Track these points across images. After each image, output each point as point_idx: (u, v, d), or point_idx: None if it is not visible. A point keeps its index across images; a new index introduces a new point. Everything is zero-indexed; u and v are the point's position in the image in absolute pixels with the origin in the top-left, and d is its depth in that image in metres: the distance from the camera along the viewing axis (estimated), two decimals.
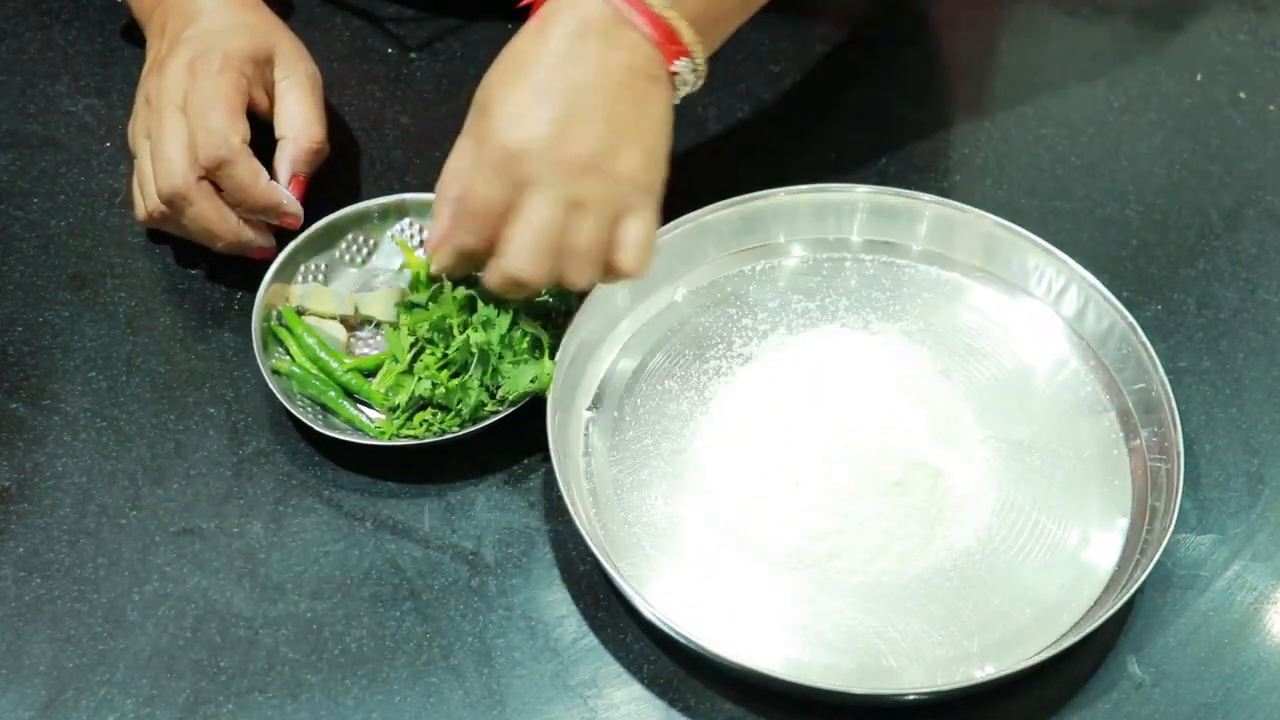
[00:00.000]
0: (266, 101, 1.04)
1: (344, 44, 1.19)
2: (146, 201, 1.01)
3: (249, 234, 1.00)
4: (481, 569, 0.91)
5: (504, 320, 0.95)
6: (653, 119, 0.92)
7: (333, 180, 1.07)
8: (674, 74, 0.92)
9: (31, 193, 1.09)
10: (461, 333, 0.95)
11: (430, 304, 0.96)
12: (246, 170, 0.98)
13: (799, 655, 0.87)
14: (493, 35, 1.19)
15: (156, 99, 1.00)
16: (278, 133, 1.03)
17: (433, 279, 0.96)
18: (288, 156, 1.02)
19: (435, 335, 0.95)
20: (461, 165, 0.91)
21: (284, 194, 1.00)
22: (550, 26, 0.90)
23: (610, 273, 0.92)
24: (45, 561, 0.91)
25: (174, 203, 0.98)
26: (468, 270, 0.95)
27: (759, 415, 0.95)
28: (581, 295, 0.96)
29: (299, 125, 1.03)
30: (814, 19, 1.23)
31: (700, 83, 0.95)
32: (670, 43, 0.91)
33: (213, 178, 0.98)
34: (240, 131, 0.99)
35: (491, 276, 0.92)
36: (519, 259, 0.89)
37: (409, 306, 0.98)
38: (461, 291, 0.95)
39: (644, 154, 0.91)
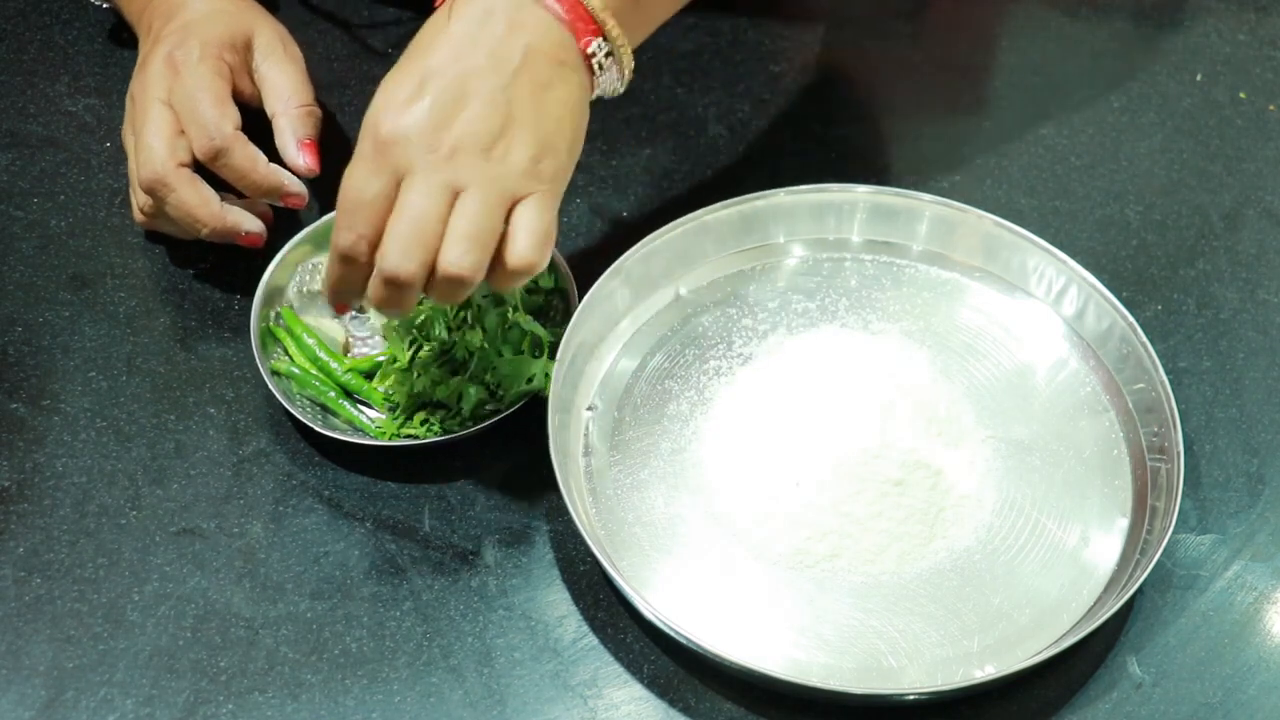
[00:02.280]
0: (252, 87, 1.03)
1: (344, 44, 1.19)
2: (136, 198, 1.01)
3: (234, 219, 0.99)
4: (481, 569, 0.91)
5: (501, 315, 0.95)
6: (555, 105, 0.85)
7: (332, 178, 1.06)
8: (589, 56, 0.87)
9: (31, 193, 1.09)
10: (459, 329, 0.95)
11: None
12: (243, 156, 0.98)
13: (799, 655, 0.87)
14: None
15: (141, 96, 1.00)
16: (269, 110, 1.03)
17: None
18: (286, 126, 1.01)
19: (432, 329, 0.95)
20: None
21: (285, 175, 1.00)
22: (457, 9, 0.85)
23: (501, 267, 0.84)
24: (45, 561, 0.90)
25: (155, 190, 0.98)
26: (356, 288, 0.86)
27: (759, 415, 0.95)
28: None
29: (286, 94, 1.02)
30: (814, 19, 1.23)
31: (624, 77, 0.90)
32: (582, 20, 0.86)
33: (213, 169, 0.98)
34: (231, 118, 0.99)
35: (372, 284, 0.84)
36: (392, 253, 0.82)
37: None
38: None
39: (536, 141, 0.84)
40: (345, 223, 0.84)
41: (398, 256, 0.82)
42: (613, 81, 0.90)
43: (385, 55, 1.18)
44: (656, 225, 1.01)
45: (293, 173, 1.01)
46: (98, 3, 1.17)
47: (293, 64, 1.04)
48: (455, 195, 0.83)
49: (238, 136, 0.98)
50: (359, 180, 0.83)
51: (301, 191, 1.01)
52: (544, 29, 0.86)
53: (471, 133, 0.83)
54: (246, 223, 1.00)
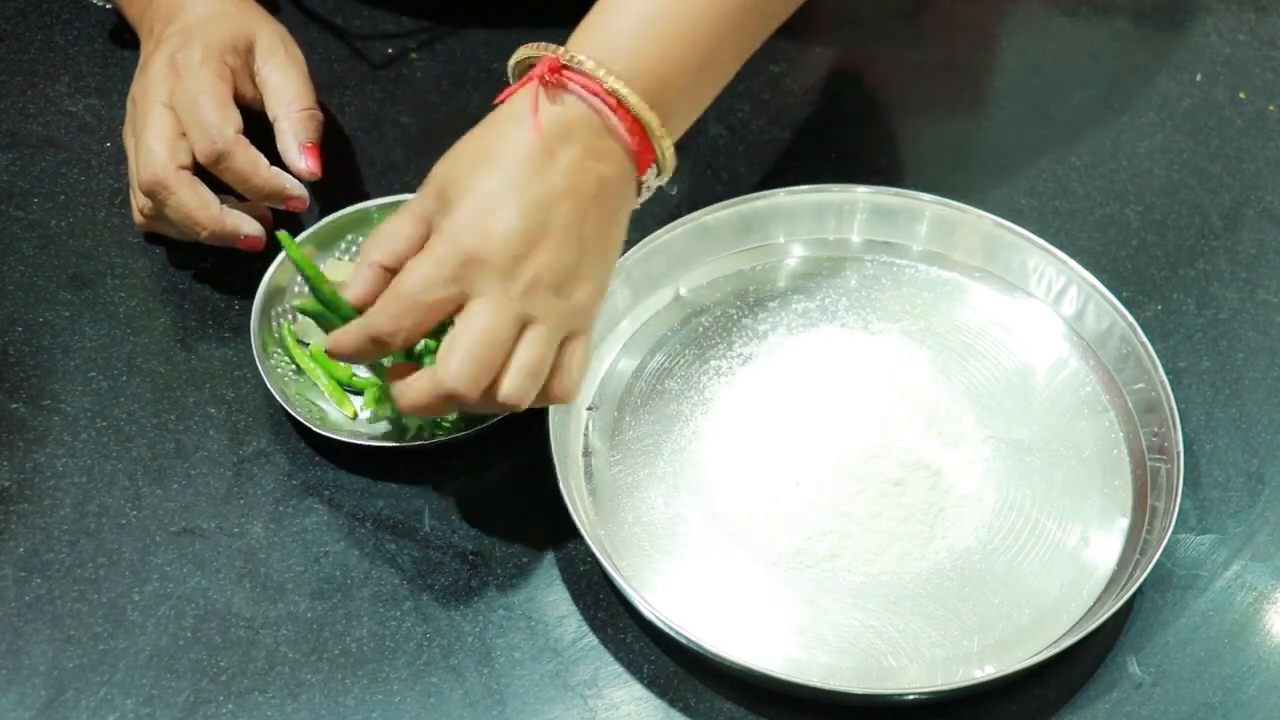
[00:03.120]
0: (254, 90, 1.03)
1: (344, 45, 1.19)
2: (136, 200, 1.01)
3: (233, 222, 0.99)
4: (481, 569, 0.91)
5: None
6: (615, 239, 0.88)
7: (333, 180, 1.06)
8: (641, 184, 0.89)
9: (31, 193, 1.09)
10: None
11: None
12: (245, 160, 0.98)
13: (799, 655, 0.87)
14: (494, 36, 1.19)
15: (142, 98, 1.00)
16: (270, 114, 1.03)
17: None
18: (288, 129, 1.01)
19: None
20: (401, 229, 0.86)
21: (287, 179, 1.00)
22: (530, 119, 0.85)
23: (543, 394, 0.86)
24: (45, 561, 0.91)
25: (155, 193, 0.98)
26: (365, 360, 0.88)
27: (759, 415, 0.95)
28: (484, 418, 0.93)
29: (288, 98, 1.02)
30: (814, 19, 1.23)
31: (649, 194, 0.91)
32: (646, 151, 0.87)
33: (214, 172, 0.99)
34: (233, 121, 0.99)
35: (419, 387, 0.84)
36: (460, 373, 0.82)
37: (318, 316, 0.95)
38: None
39: (600, 280, 0.87)
40: (393, 311, 0.83)
41: (465, 378, 0.82)
42: (641, 200, 0.91)
43: (385, 55, 1.18)
44: (656, 225, 1.01)
45: (294, 176, 1.01)
46: (98, 3, 1.18)
47: (294, 66, 1.04)
48: (525, 326, 0.84)
49: (239, 140, 0.98)
50: (425, 281, 0.83)
51: (303, 195, 1.01)
52: (616, 160, 0.87)
53: (549, 268, 0.84)
54: (246, 226, 1.00)
